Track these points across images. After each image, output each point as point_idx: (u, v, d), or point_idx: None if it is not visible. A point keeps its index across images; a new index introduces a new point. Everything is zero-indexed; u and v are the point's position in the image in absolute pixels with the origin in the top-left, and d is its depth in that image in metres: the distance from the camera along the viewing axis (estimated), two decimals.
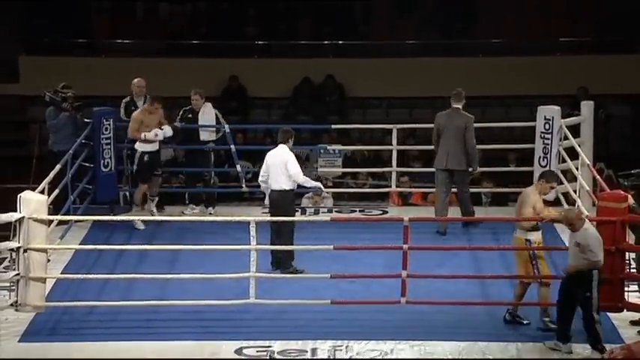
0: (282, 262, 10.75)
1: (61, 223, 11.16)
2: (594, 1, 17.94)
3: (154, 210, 12.60)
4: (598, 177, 11.38)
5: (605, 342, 9.32)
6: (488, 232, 11.86)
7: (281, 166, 10.85)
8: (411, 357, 9.20)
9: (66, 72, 15.02)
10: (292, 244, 10.65)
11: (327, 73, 17.25)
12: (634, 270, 10.00)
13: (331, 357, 9.12)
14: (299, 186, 10.98)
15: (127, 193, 13.01)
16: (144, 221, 12.13)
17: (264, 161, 11.07)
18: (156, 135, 12.37)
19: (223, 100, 17.17)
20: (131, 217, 12.12)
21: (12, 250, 9.57)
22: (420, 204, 13.69)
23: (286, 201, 10.91)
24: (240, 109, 17.15)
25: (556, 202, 12.46)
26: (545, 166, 12.40)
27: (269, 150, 11.18)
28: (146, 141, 12.40)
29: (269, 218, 10.83)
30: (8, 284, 9.72)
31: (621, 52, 17.44)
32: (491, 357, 9.17)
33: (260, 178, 11.06)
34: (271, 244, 10.70)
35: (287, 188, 10.88)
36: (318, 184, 11.16)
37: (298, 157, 11.32)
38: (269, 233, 10.76)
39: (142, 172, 12.52)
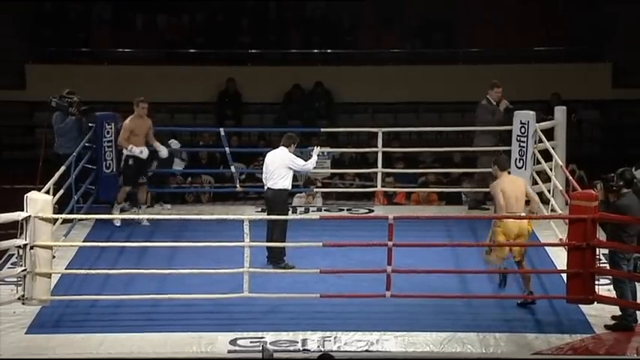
0: (273, 257, 10.71)
1: (65, 221, 11.10)
2: (566, 13, 17.97)
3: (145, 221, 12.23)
4: (570, 177, 11.41)
5: (577, 333, 9.35)
6: (468, 229, 11.84)
7: (280, 166, 10.80)
8: (394, 347, 9.17)
9: (70, 79, 14.90)
10: (284, 241, 10.61)
11: (316, 80, 17.21)
12: (604, 265, 9.99)
13: (320, 347, 9.09)
14: (294, 185, 10.93)
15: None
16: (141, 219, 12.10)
17: (264, 162, 11.04)
18: (141, 152, 12.26)
19: (219, 105, 17.13)
20: (134, 216, 12.06)
21: (19, 247, 9.52)
22: (404, 203, 13.65)
23: (280, 199, 10.88)
24: (235, 114, 17.11)
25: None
26: (522, 167, 12.41)
27: (262, 152, 11.13)
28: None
29: (262, 217, 10.78)
30: (16, 279, 9.67)
31: (591, 61, 17.48)
32: (470, 347, 9.14)
33: (263, 178, 11.03)
34: (268, 240, 10.65)
35: (281, 187, 10.85)
36: (315, 154, 11.08)
37: None
38: (263, 230, 10.72)
39: (125, 175, 12.41)
